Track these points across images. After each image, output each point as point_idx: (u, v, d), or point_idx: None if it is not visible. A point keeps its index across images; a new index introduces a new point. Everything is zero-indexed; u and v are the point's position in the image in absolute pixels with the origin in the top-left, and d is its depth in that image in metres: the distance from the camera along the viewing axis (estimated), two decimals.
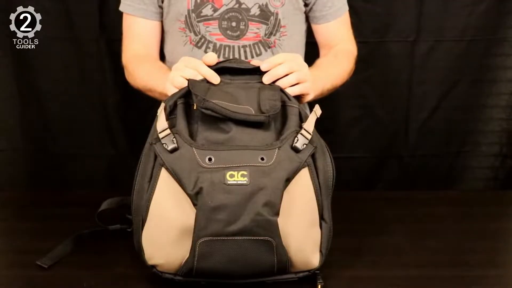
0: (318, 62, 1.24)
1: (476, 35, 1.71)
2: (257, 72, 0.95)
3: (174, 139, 0.85)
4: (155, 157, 0.86)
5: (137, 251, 0.89)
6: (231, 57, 1.24)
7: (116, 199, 1.04)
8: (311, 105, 1.50)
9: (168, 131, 0.86)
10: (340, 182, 2.03)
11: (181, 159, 0.84)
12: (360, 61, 1.40)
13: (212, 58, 0.94)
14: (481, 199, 1.33)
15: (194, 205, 0.82)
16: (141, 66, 1.23)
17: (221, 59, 1.01)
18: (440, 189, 1.82)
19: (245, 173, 0.82)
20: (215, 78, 0.93)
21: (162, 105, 0.90)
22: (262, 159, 0.84)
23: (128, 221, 0.98)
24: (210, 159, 0.83)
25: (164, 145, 0.85)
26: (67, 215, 1.15)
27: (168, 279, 0.89)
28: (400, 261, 1.01)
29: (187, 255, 0.85)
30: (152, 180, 0.86)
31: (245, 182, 0.82)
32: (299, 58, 1.02)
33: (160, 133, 0.86)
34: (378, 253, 1.03)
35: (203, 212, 0.81)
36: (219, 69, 0.94)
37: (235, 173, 0.82)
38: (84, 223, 1.04)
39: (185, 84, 0.91)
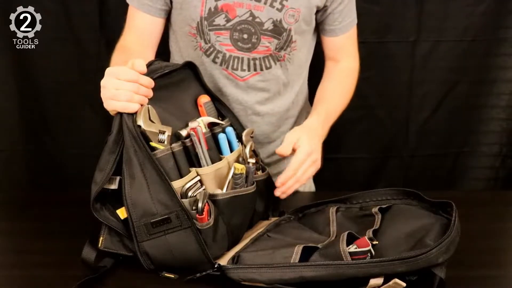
0: (324, 92, 1.31)
1: (477, 35, 1.71)
2: None
3: None
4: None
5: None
6: (239, 68, 1.24)
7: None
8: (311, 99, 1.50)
9: None
10: (340, 183, 2.00)
11: None
12: (360, 61, 1.40)
13: (142, 66, 0.90)
14: (481, 199, 1.32)
15: None
16: (118, 56, 1.19)
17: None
18: (441, 189, 1.82)
19: None
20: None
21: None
22: None
23: None
24: None
25: None
26: (67, 215, 1.15)
27: None
28: None
29: None
30: None
31: None
32: (309, 143, 1.12)
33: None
34: None
35: None
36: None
37: None
38: (84, 223, 1.03)
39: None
